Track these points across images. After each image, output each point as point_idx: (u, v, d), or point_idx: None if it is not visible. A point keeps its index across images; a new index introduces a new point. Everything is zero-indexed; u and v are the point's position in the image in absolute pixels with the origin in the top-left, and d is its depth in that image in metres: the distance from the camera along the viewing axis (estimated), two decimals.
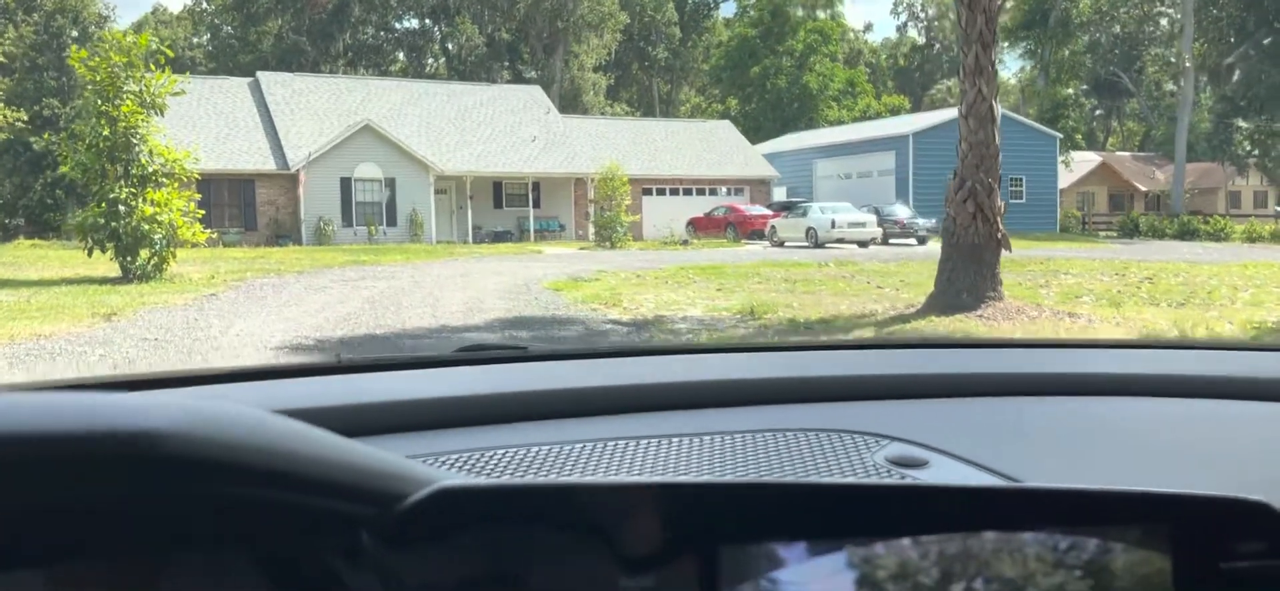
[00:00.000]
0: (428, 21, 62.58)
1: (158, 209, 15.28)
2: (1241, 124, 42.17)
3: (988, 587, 0.51)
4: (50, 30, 45.97)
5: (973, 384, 1.21)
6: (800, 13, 58.06)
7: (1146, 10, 48.91)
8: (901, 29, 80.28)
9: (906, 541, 0.50)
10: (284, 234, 30.16)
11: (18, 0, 45.07)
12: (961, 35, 10.55)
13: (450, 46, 61.90)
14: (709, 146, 39.08)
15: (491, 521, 0.49)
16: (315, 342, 8.78)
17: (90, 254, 15.71)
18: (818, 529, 0.50)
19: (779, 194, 39.12)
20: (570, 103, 53.95)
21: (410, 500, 0.48)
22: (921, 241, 30.59)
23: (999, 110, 10.44)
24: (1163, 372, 1.28)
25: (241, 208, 30.43)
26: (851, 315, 10.63)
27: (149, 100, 15.67)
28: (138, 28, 46.19)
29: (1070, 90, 48.10)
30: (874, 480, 0.90)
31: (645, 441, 0.96)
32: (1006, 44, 46.61)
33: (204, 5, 60.24)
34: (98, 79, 15.44)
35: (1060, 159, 41.16)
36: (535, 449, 0.93)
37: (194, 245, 16.51)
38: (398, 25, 62.97)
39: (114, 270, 15.63)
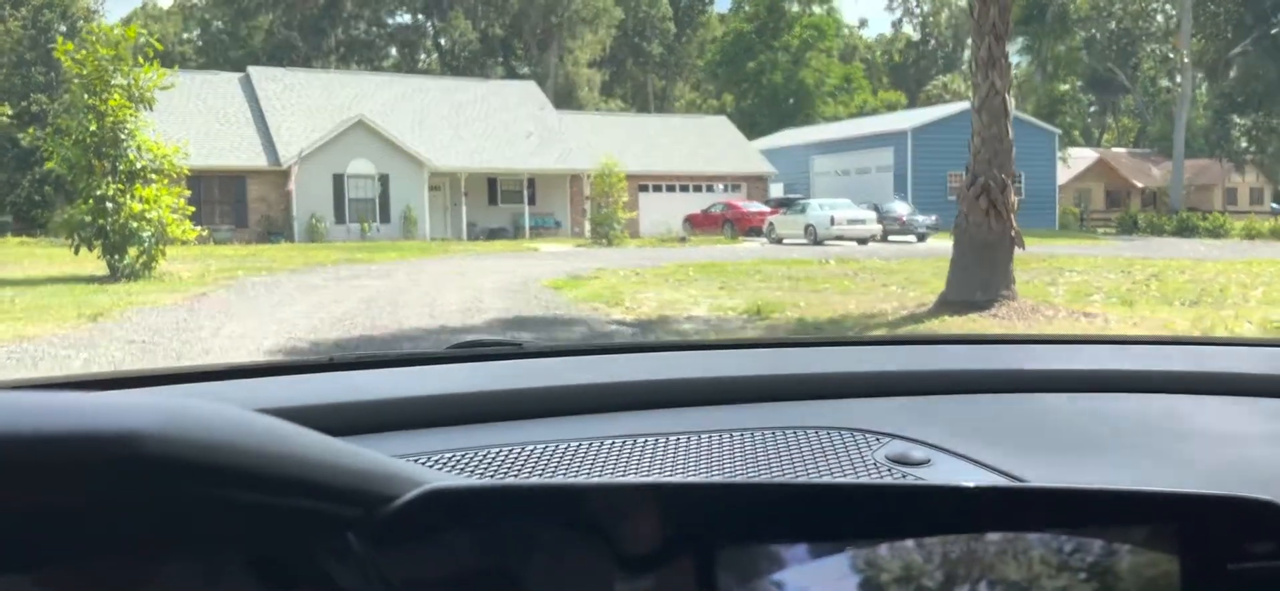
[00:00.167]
0: (420, 17, 62.19)
1: (146, 206, 14.94)
2: (1239, 120, 42.06)
3: (992, 590, 0.50)
4: (38, 25, 45.41)
5: (974, 380, 1.19)
6: (796, 8, 57.73)
7: (1143, 6, 48.76)
8: (896, 25, 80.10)
9: (910, 543, 0.49)
10: (276, 231, 29.77)
11: None
12: (974, 27, 10.27)
13: (443, 42, 61.51)
14: (705, 142, 38.75)
15: (483, 522, 0.49)
16: (310, 346, 8.47)
17: (77, 252, 15.36)
18: (818, 530, 0.49)
19: (776, 190, 38.83)
20: (565, 99, 53.54)
21: (398, 501, 0.48)
22: (921, 238, 30.37)
23: (1012, 104, 10.17)
24: (1168, 369, 1.26)
25: (232, 204, 30.05)
26: (861, 315, 10.35)
27: (137, 94, 15.32)
28: (127, 22, 45.64)
29: (1067, 86, 47.91)
30: (874, 478, 0.89)
31: (641, 440, 0.95)
32: None
33: (194, 0, 59.70)
34: (85, 72, 15.09)
35: (1058, 155, 40.98)
36: (529, 447, 0.91)
37: (184, 243, 16.16)
38: (390, 21, 62.61)
39: (102, 268, 15.28)
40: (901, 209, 31.71)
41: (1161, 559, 0.52)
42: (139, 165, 15.28)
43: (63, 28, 44.71)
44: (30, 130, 39.91)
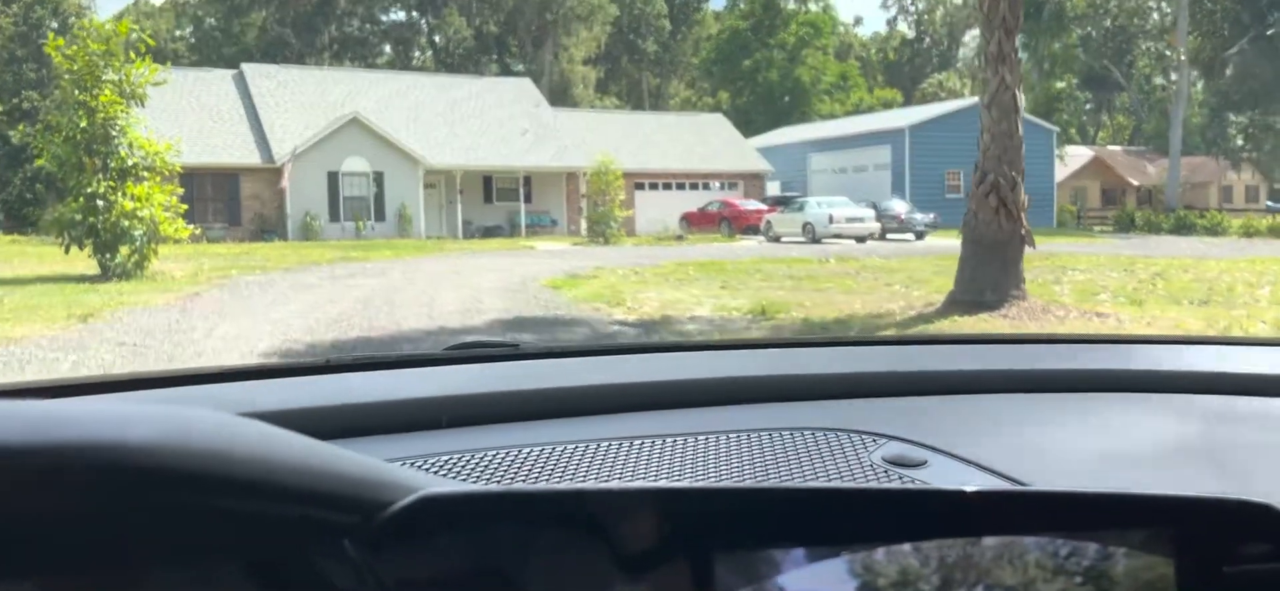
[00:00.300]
0: (414, 14, 61.84)
1: (138, 204, 14.69)
2: (1235, 118, 42.00)
3: None
4: (29, 21, 45.06)
5: (971, 381, 1.19)
6: (792, 5, 57.54)
7: (1139, 3, 48.70)
8: (891, 23, 79.92)
9: (907, 547, 0.50)
10: (269, 229, 29.48)
11: None
12: (983, 21, 10.10)
13: (437, 39, 61.20)
14: (702, 140, 38.53)
15: (479, 528, 0.49)
16: (306, 347, 8.25)
17: (67, 250, 15.09)
18: (815, 534, 0.50)
19: (772, 189, 38.64)
20: (559, 96, 53.27)
21: (394, 508, 0.47)
22: (919, 237, 30.22)
23: (1022, 100, 10.00)
24: (1168, 368, 1.26)
25: (226, 202, 29.76)
26: (868, 315, 10.16)
27: (128, 90, 15.07)
28: (118, 19, 45.33)
29: (1063, 84, 47.83)
30: (871, 480, 0.89)
31: (639, 441, 0.95)
32: None
33: None
34: (75, 68, 14.84)
35: (1056, 153, 40.86)
36: (527, 450, 0.91)
37: (176, 241, 15.92)
38: (384, 17, 62.24)
39: (93, 267, 15.02)
40: (899, 207, 31.55)
41: (1157, 562, 0.52)
42: (131, 162, 15.03)
43: (54, 24, 44.37)
44: (20, 127, 39.55)
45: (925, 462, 0.92)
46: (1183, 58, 42.65)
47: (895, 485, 0.88)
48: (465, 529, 0.49)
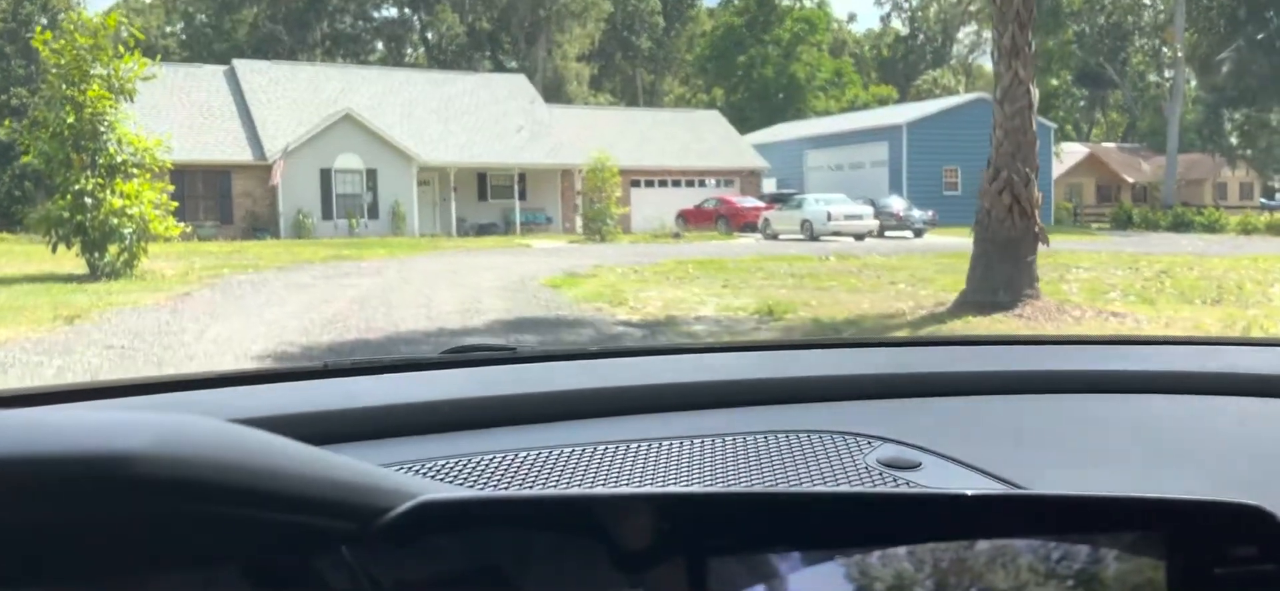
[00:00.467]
0: (407, 10, 61.41)
1: (127, 201, 14.37)
2: (1231, 115, 41.91)
3: None
4: (18, 17, 44.52)
5: (967, 382, 1.18)
6: (786, 1, 57.28)
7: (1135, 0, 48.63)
8: (885, 20, 79.70)
9: (902, 551, 0.50)
10: (261, 227, 29.12)
11: None
12: (995, 15, 9.86)
13: (430, 36, 60.79)
14: (697, 137, 38.25)
15: (476, 534, 0.50)
16: (301, 350, 7.97)
17: (55, 249, 14.76)
18: (809, 539, 0.50)
19: (769, 185, 38.41)
20: (553, 93, 52.90)
21: (391, 514, 0.47)
22: (918, 234, 30.01)
23: (1036, 94, 9.77)
24: (1164, 369, 1.26)
25: (217, 200, 29.38)
26: (878, 315, 9.92)
27: (117, 85, 14.75)
28: (108, 13, 44.85)
29: (1058, 81, 47.71)
30: (866, 483, 0.89)
31: (636, 444, 0.95)
32: None
33: None
34: (62, 62, 14.51)
35: (1053, 150, 40.71)
36: (524, 454, 0.91)
37: (167, 239, 15.57)
38: (376, 14, 61.71)
39: (81, 266, 14.70)
40: (898, 204, 31.33)
41: (1147, 564, 0.52)
42: (119, 159, 14.71)
43: (43, 19, 43.83)
44: (7, 123, 39.09)
45: (919, 465, 0.92)
46: (1179, 54, 42.54)
47: (890, 488, 0.87)
48: (463, 534, 0.49)
